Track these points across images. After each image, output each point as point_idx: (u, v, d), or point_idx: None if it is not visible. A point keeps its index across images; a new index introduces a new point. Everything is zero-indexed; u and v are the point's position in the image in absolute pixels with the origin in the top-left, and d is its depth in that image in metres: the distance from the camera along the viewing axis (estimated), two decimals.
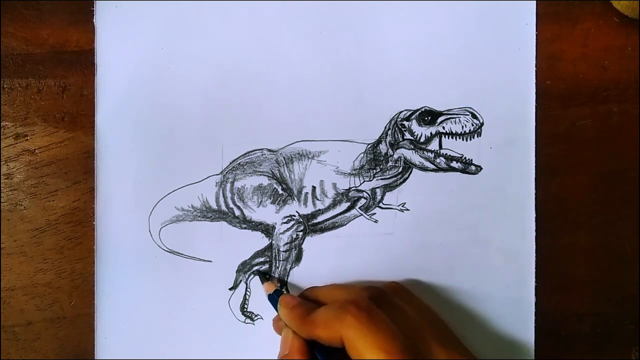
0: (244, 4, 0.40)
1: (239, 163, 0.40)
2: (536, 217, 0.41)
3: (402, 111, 0.41)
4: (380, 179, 0.41)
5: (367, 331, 0.30)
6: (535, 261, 0.41)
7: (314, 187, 0.40)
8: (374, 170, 0.41)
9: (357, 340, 0.30)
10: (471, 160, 0.41)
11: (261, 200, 0.40)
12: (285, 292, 0.38)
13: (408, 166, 0.41)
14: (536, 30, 0.41)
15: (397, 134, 0.40)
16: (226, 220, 0.40)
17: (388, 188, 0.41)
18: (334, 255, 0.41)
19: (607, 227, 0.42)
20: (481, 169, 0.41)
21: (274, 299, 0.38)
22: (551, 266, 0.41)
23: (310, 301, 0.37)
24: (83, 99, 0.39)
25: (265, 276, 0.40)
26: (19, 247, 0.39)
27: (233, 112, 0.40)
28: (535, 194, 0.41)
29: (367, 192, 0.41)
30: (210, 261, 0.40)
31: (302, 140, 0.40)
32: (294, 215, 0.40)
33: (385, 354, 0.30)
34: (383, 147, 0.41)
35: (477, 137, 0.41)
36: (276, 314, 0.37)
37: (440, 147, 0.41)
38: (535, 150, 0.41)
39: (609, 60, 0.41)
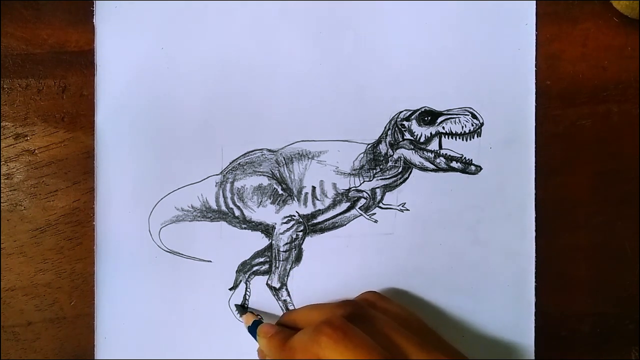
0: (243, 4, 0.40)
1: (239, 163, 0.40)
2: (536, 217, 0.41)
3: (402, 111, 0.41)
4: (380, 179, 0.41)
5: (343, 349, 0.31)
6: (535, 261, 0.41)
7: (313, 187, 0.40)
8: (374, 171, 0.41)
9: (335, 359, 0.31)
10: (471, 160, 0.41)
11: (261, 201, 0.40)
12: (263, 321, 0.38)
13: (408, 166, 0.41)
14: (536, 30, 0.41)
15: (397, 134, 0.40)
16: (226, 221, 0.40)
17: (388, 188, 0.41)
18: (334, 255, 0.40)
19: (607, 227, 0.42)
20: (481, 169, 0.41)
21: (253, 330, 0.37)
22: (551, 266, 0.41)
23: (288, 327, 0.37)
24: (83, 99, 0.39)
25: (243, 308, 0.40)
26: (19, 247, 0.39)
27: (233, 112, 0.40)
28: (535, 194, 0.41)
29: (367, 192, 0.41)
30: (210, 261, 0.40)
31: (302, 140, 0.40)
32: (294, 216, 0.40)
33: None
34: (383, 147, 0.41)
35: (477, 137, 0.41)
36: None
37: (440, 147, 0.41)
38: (535, 150, 0.41)
39: (609, 60, 0.41)
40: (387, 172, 0.41)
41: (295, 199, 0.40)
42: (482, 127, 0.41)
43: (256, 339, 0.37)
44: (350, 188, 0.40)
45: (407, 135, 0.40)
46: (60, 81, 0.39)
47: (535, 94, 0.41)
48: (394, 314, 0.36)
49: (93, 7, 0.39)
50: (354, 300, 0.38)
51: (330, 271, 0.41)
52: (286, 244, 0.40)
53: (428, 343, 0.33)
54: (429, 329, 0.37)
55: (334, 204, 0.40)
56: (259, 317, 0.39)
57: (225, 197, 0.40)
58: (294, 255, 0.40)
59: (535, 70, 0.41)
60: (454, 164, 0.41)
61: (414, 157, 0.41)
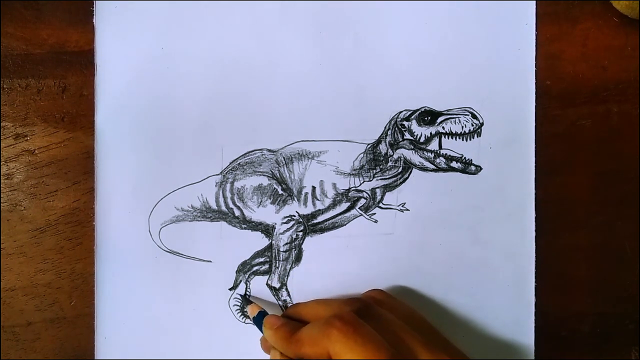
0: (244, 4, 0.40)
1: (239, 163, 0.40)
2: (536, 217, 0.41)
3: (402, 111, 0.41)
4: (380, 179, 0.41)
5: (353, 344, 0.31)
6: (535, 261, 0.41)
7: (313, 187, 0.40)
8: (374, 171, 0.41)
9: (344, 354, 0.31)
10: (471, 160, 0.41)
11: (261, 201, 0.40)
12: (268, 313, 0.38)
13: (408, 166, 0.41)
14: (536, 30, 0.41)
15: (397, 134, 0.40)
16: (226, 221, 0.40)
17: (388, 188, 0.41)
18: (333, 255, 0.41)
19: (607, 227, 0.42)
20: (481, 169, 0.41)
21: (258, 320, 0.37)
22: (551, 266, 0.41)
23: (294, 320, 0.37)
24: (83, 99, 0.39)
25: (247, 299, 0.40)
26: (19, 247, 0.39)
27: (233, 112, 0.40)
28: (535, 194, 0.41)
29: (367, 192, 0.41)
30: (210, 261, 0.40)
31: (302, 140, 0.40)
32: (294, 216, 0.40)
33: None
34: (383, 147, 0.41)
35: (477, 137, 0.41)
36: (262, 334, 0.37)
37: (440, 147, 0.41)
38: (535, 150, 0.41)
39: (609, 60, 0.41)
40: (387, 172, 0.41)
41: (295, 199, 0.40)
42: (482, 127, 0.41)
43: (261, 330, 0.37)
44: (350, 188, 0.40)
45: (407, 135, 0.40)
46: (60, 81, 0.39)
47: (535, 94, 0.41)
48: (399, 313, 0.36)
49: (93, 7, 0.39)
50: (361, 298, 0.38)
51: (330, 271, 0.41)
52: (286, 244, 0.40)
53: (433, 343, 0.33)
54: (434, 328, 0.37)
55: (334, 204, 0.40)
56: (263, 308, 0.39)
57: (225, 197, 0.40)
58: (294, 255, 0.40)
59: (535, 70, 0.41)
60: (454, 164, 0.41)
61: (414, 157, 0.41)
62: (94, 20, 0.39)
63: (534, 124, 0.41)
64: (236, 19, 0.40)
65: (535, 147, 0.41)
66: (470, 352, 0.37)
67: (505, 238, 0.41)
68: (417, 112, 0.40)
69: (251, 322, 0.40)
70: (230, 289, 0.40)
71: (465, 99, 0.41)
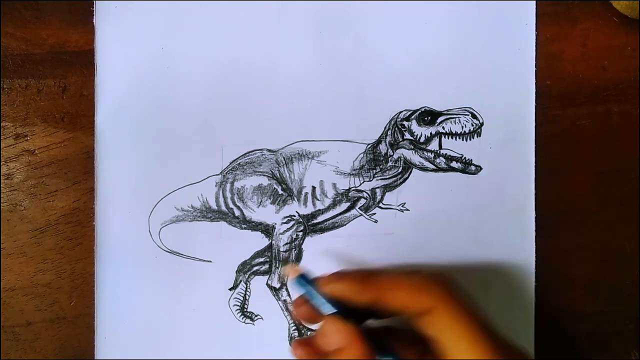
0: (244, 4, 0.40)
1: (239, 163, 0.40)
2: (536, 217, 0.41)
3: (402, 111, 0.41)
4: (380, 179, 0.41)
5: (466, 308, 0.30)
6: (535, 261, 0.41)
7: (313, 187, 0.40)
8: (374, 171, 0.41)
9: (456, 318, 0.30)
10: (471, 160, 0.41)
11: (261, 201, 0.40)
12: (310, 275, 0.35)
13: (408, 166, 0.41)
14: (536, 30, 0.41)
15: (397, 134, 0.40)
16: (226, 221, 0.40)
17: (388, 188, 0.41)
18: (334, 255, 0.40)
19: (607, 227, 0.42)
20: (481, 169, 0.41)
21: (301, 283, 0.34)
22: (551, 266, 0.41)
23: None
24: (83, 99, 0.39)
25: (285, 260, 0.39)
26: (19, 247, 0.39)
27: (233, 112, 0.40)
28: (535, 194, 0.41)
29: (367, 192, 0.41)
30: (210, 261, 0.40)
31: (302, 140, 0.40)
32: (294, 216, 0.40)
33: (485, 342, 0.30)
34: (383, 147, 0.41)
35: (477, 137, 0.41)
36: (296, 298, 0.35)
37: (440, 147, 0.41)
38: (535, 150, 0.41)
39: (609, 60, 0.41)
40: (387, 172, 0.41)
41: (295, 199, 0.40)
42: (482, 127, 0.41)
43: (306, 291, 0.33)
44: (350, 188, 0.40)
45: (407, 135, 0.40)
46: (60, 81, 0.39)
47: (535, 94, 0.41)
48: None
49: (93, 7, 0.39)
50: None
51: (330, 271, 0.40)
52: (286, 244, 0.40)
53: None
54: None
55: (334, 204, 0.40)
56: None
57: (225, 197, 0.40)
58: (294, 255, 0.40)
59: (535, 70, 0.41)
60: (454, 164, 0.41)
61: (414, 157, 0.41)
62: (94, 20, 0.39)
63: (534, 124, 0.41)
64: (236, 19, 0.40)
65: (535, 147, 0.41)
66: None
67: (505, 238, 0.41)
68: (417, 112, 0.40)
69: (251, 322, 0.40)
70: (230, 289, 0.40)
71: (465, 99, 0.41)
